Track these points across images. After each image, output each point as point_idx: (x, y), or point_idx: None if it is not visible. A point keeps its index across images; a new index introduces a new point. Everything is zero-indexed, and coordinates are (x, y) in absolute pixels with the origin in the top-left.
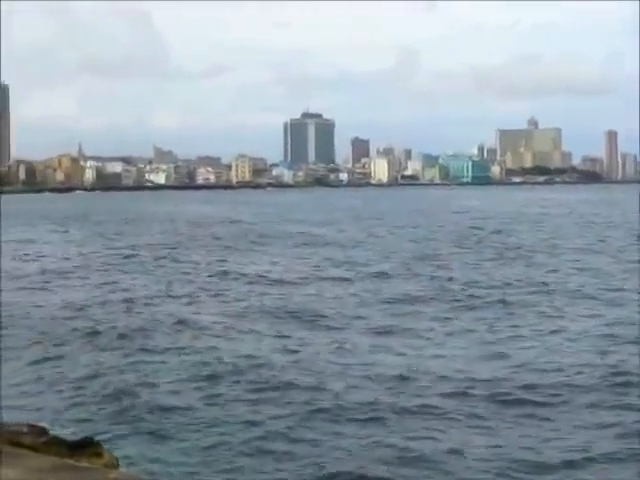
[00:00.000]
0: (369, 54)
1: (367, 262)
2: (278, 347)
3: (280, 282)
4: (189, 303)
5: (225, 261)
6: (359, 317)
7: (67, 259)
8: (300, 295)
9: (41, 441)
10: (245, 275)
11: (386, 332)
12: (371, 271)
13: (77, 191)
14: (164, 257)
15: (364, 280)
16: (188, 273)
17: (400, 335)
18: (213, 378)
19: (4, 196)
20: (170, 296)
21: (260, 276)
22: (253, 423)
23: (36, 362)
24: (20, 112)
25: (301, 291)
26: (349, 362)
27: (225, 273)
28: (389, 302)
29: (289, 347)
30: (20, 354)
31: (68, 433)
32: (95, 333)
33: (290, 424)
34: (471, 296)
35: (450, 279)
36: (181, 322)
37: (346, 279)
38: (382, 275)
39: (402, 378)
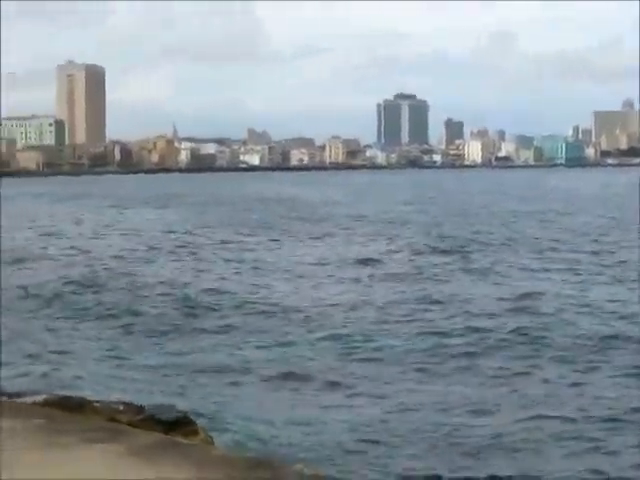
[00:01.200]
0: (462, 36)
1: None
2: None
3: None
4: (288, 291)
5: (322, 246)
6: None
7: (161, 238)
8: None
9: (138, 419)
10: (344, 257)
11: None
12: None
13: (172, 172)
14: (253, 240)
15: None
16: (286, 257)
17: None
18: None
19: (101, 177)
20: (259, 279)
21: (357, 257)
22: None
23: (118, 338)
24: (115, 94)
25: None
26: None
27: (327, 253)
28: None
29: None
30: (101, 330)
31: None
32: (190, 313)
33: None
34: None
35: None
36: (279, 307)
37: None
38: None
39: None
